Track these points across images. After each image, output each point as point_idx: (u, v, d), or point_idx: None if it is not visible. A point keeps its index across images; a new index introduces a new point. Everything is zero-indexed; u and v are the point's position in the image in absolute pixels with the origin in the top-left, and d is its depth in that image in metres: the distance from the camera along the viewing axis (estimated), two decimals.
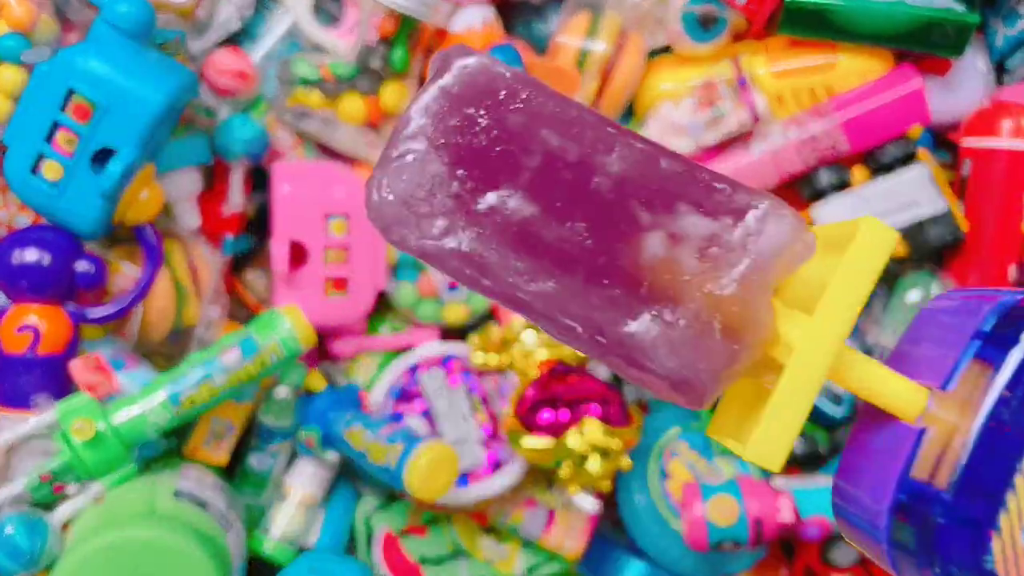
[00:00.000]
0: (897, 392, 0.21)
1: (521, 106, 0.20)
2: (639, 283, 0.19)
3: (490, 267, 0.19)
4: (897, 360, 0.24)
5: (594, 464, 0.62)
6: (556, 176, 0.19)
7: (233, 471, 0.68)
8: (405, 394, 0.69)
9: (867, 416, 0.24)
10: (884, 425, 0.22)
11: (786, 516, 0.63)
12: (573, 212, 0.19)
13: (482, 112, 0.20)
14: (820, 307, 0.20)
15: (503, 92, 0.20)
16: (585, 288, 0.19)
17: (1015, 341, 0.21)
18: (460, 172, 0.19)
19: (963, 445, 0.20)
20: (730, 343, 0.19)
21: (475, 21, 0.66)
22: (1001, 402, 0.20)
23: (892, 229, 0.22)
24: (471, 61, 0.21)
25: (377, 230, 0.21)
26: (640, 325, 0.19)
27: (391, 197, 0.20)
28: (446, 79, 0.21)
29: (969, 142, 0.68)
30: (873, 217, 0.22)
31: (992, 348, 0.21)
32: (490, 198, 0.19)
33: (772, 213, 0.20)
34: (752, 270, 0.19)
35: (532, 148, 0.19)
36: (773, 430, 0.20)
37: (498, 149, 0.19)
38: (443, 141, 0.20)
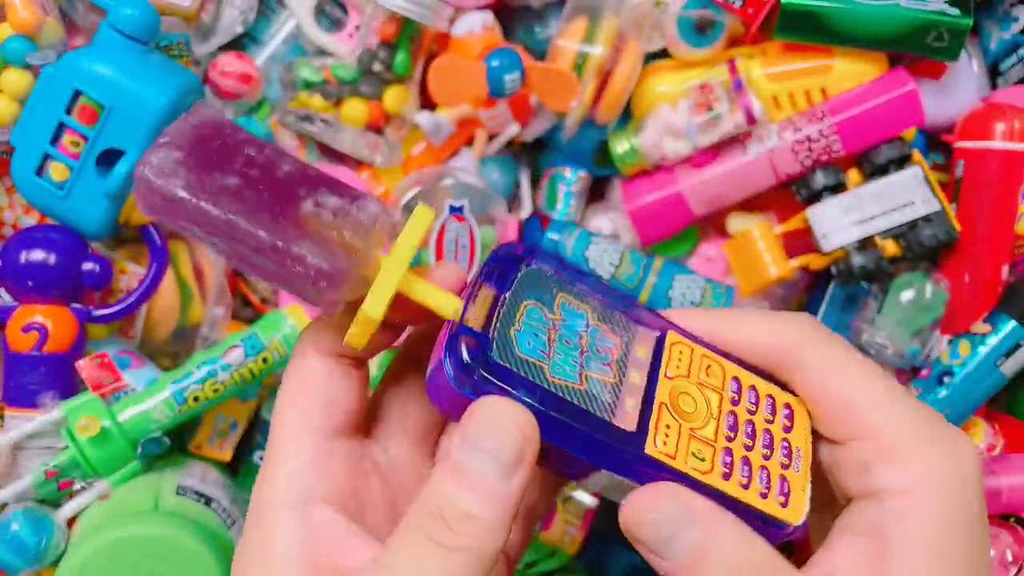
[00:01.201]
0: (439, 299, 0.34)
1: (229, 131, 0.34)
2: (301, 227, 0.32)
3: (209, 217, 0.32)
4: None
5: None
6: (252, 166, 0.33)
7: (237, 467, 0.69)
8: None
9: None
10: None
11: None
12: (263, 188, 0.33)
13: (210, 130, 0.34)
14: (392, 249, 0.34)
15: (222, 126, 0.34)
16: (271, 228, 0.32)
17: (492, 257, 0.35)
18: (192, 162, 0.32)
19: (480, 315, 0.33)
20: (352, 266, 0.32)
21: (475, 25, 0.67)
22: (474, 285, 0.33)
23: (430, 208, 0.35)
24: (205, 109, 0.35)
25: (136, 199, 0.33)
26: (304, 248, 0.32)
27: (150, 176, 0.32)
28: (189, 116, 0.34)
29: (963, 144, 0.69)
30: (425, 206, 0.35)
31: (484, 268, 0.34)
32: (213, 176, 0.32)
33: (372, 200, 0.34)
34: (362, 226, 0.33)
35: (236, 154, 0.34)
36: (359, 319, 0.32)
37: (217, 146, 0.33)
38: (184, 143, 0.33)
